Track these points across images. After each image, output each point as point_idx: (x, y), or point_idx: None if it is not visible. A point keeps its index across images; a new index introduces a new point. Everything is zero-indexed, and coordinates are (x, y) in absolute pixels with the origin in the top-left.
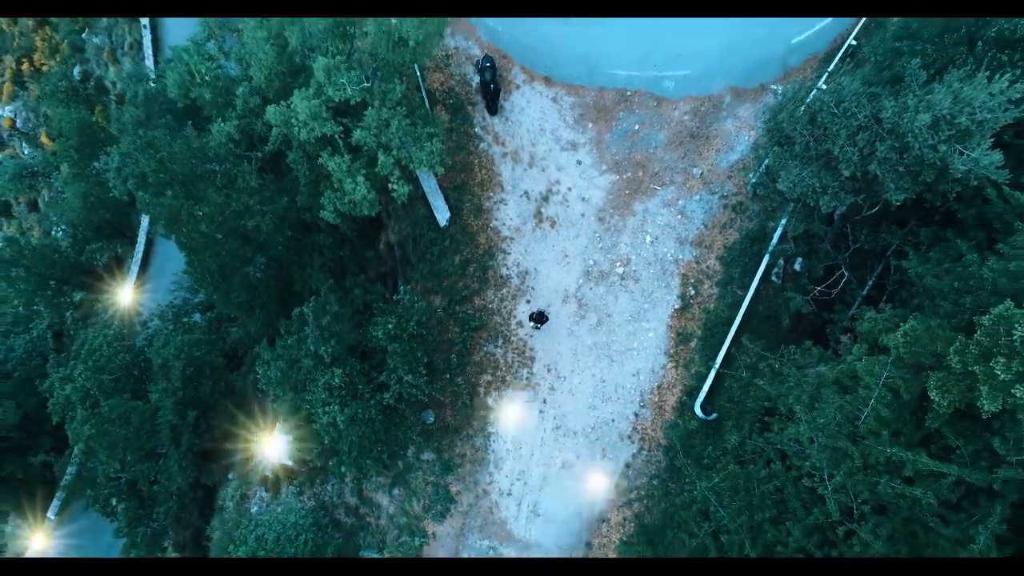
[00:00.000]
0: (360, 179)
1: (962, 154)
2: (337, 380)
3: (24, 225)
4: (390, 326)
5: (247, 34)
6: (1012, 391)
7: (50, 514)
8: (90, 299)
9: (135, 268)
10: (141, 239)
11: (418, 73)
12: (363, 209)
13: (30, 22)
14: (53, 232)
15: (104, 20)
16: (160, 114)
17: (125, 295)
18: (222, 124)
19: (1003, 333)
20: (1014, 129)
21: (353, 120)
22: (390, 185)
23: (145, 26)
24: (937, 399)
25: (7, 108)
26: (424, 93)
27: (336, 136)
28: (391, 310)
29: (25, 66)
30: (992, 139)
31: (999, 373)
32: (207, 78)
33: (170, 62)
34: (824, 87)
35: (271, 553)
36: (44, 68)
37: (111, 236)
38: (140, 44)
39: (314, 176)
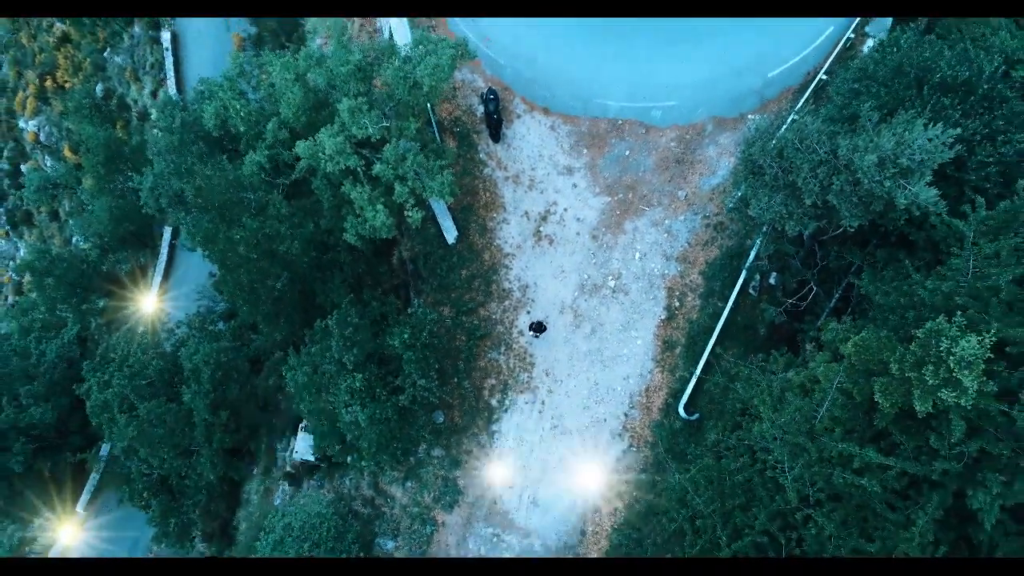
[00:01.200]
0: (380, 207)
1: (904, 188)
2: (358, 384)
3: (45, 233)
4: (405, 336)
5: (275, 74)
6: (939, 394)
7: (79, 508)
8: (113, 306)
9: (158, 277)
10: (163, 249)
11: (430, 109)
12: (382, 233)
13: (52, 39)
14: (74, 240)
15: (126, 41)
16: (193, 140)
17: (149, 303)
18: (254, 155)
19: (933, 344)
20: (955, 163)
21: (373, 152)
22: (405, 211)
23: (167, 49)
24: (881, 401)
25: (31, 122)
26: (435, 126)
27: (358, 168)
28: (406, 321)
29: (49, 83)
30: (934, 173)
31: (928, 379)
32: (241, 114)
33: (203, 94)
34: (796, 118)
35: (298, 539)
36: (67, 85)
37: (134, 246)
38: (161, 64)
39: (336, 202)
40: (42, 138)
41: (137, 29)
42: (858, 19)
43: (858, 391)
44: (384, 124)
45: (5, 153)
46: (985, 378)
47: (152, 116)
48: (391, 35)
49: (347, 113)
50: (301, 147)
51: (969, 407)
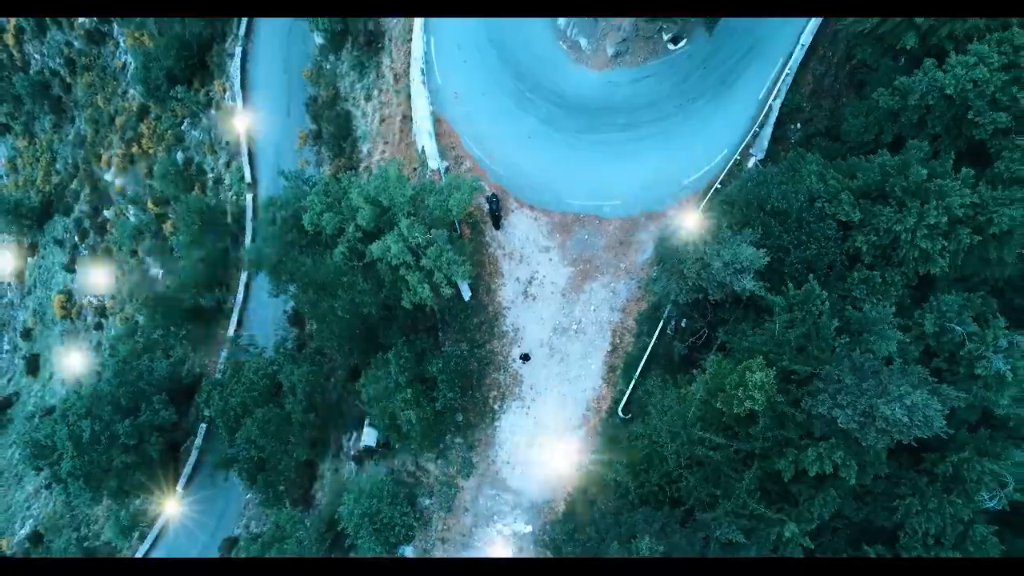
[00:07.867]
0: (426, 286)
1: (739, 280)
2: (408, 396)
3: (126, 267)
4: (439, 365)
5: (352, 195)
6: (745, 404)
7: (179, 487)
8: (196, 332)
9: (236, 312)
10: (240, 289)
11: (455, 221)
12: (427, 302)
13: (127, 104)
14: (150, 273)
15: (204, 120)
16: (289, 228)
17: (229, 332)
18: (340, 247)
19: (745, 374)
20: (778, 260)
21: (419, 248)
22: (440, 287)
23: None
24: (722, 407)
25: (119, 179)
26: (457, 225)
27: (410, 261)
28: (440, 355)
29: (135, 148)
30: (767, 267)
31: (740, 395)
32: (330, 223)
33: (298, 198)
34: (701, 211)
35: (368, 497)
36: (150, 151)
37: (215, 286)
38: (236, 142)
39: (393, 278)
40: (128, 192)
41: (214, 112)
42: (745, 143)
43: (712, 400)
44: (428, 236)
45: (83, 196)
46: (779, 394)
47: (253, 204)
48: (423, 150)
49: (405, 227)
50: (375, 248)
51: (761, 410)
